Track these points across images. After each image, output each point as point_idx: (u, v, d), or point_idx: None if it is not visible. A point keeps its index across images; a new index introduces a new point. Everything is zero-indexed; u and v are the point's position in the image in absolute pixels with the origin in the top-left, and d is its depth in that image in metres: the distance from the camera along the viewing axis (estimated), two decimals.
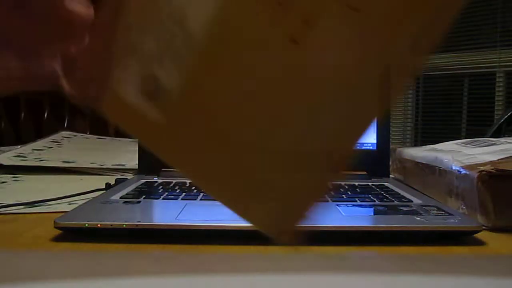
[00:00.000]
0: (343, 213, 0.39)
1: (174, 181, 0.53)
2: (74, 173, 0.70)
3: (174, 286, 0.10)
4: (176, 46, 0.19)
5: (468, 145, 0.59)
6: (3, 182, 0.61)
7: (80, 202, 0.44)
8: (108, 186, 0.55)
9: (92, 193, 0.52)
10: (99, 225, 0.35)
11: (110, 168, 0.71)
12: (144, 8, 0.20)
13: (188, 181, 0.52)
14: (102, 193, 0.48)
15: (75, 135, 0.98)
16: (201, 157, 0.20)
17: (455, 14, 0.18)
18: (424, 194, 0.49)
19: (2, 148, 0.86)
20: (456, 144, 0.61)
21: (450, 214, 0.37)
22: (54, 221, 0.35)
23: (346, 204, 0.42)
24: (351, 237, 0.35)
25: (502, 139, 0.60)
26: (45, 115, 1.25)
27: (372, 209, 0.41)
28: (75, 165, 0.72)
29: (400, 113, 2.88)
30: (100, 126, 1.33)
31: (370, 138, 0.62)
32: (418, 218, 0.36)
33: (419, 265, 0.12)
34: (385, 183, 0.54)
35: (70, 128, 1.27)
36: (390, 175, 0.63)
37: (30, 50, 0.21)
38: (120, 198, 0.44)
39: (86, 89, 0.22)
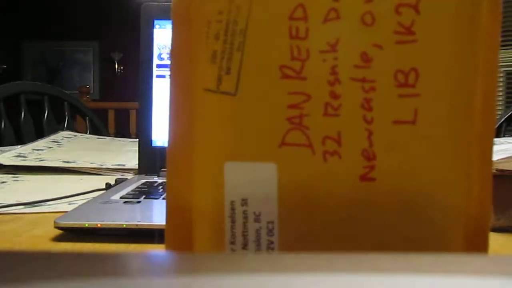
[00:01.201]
0: None
1: None
2: (74, 173, 0.70)
3: (174, 286, 0.10)
4: None
5: None
6: (3, 182, 0.61)
7: (80, 202, 0.44)
8: (108, 186, 0.55)
9: (92, 193, 0.52)
10: (99, 225, 0.35)
11: (110, 168, 0.71)
12: None
13: None
14: (102, 193, 0.48)
15: (75, 135, 0.98)
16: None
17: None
18: None
19: (2, 148, 0.86)
20: None
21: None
22: (54, 221, 0.35)
23: None
24: None
25: (502, 139, 0.60)
26: (45, 115, 1.25)
27: None
28: (75, 165, 0.72)
29: None
30: (100, 126, 1.33)
31: None
32: None
33: (418, 264, 0.12)
34: None
35: (70, 128, 1.27)
36: None
37: None
38: (120, 198, 0.44)
39: None
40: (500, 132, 1.22)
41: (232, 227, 0.19)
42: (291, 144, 0.19)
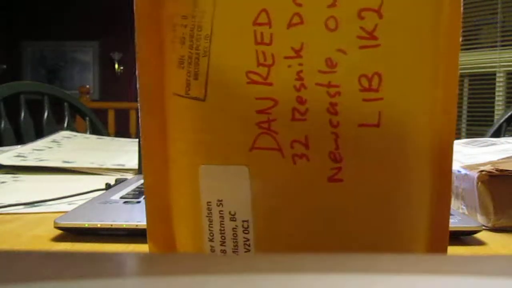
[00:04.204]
0: None
1: None
2: (74, 173, 0.70)
3: (174, 286, 0.10)
4: None
5: (468, 145, 0.59)
6: (3, 182, 0.61)
7: (80, 202, 0.44)
8: (108, 186, 0.55)
9: (92, 193, 0.52)
10: (99, 225, 0.35)
11: (110, 168, 0.71)
12: None
13: None
14: (102, 193, 0.48)
15: (75, 135, 0.98)
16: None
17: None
18: None
19: (2, 148, 0.86)
20: (456, 144, 0.61)
21: (450, 214, 0.37)
22: (54, 221, 0.35)
23: None
24: None
25: (502, 139, 0.60)
26: (45, 115, 1.25)
27: None
28: (75, 165, 0.72)
29: None
30: (100, 126, 1.33)
31: None
32: None
33: (418, 265, 0.12)
34: None
35: (70, 128, 1.27)
36: None
37: None
38: (120, 198, 0.44)
39: None
40: (500, 132, 1.22)
41: (210, 226, 0.20)
42: (261, 148, 0.19)
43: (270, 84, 0.19)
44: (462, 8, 0.19)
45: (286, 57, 0.18)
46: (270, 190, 0.19)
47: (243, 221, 0.19)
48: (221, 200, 0.19)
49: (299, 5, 0.18)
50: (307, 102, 0.18)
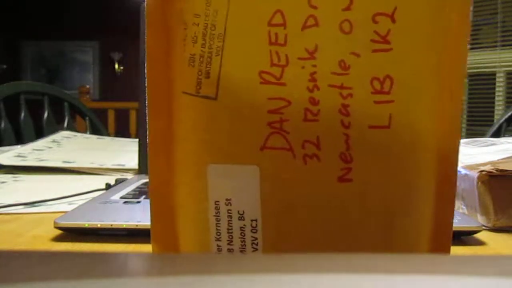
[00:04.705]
0: None
1: None
2: (74, 173, 0.70)
3: (174, 286, 0.10)
4: None
5: (468, 145, 0.59)
6: (3, 182, 0.61)
7: (80, 202, 0.44)
8: (108, 186, 0.55)
9: (92, 193, 0.52)
10: (99, 225, 0.35)
11: (110, 168, 0.71)
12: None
13: None
14: (102, 193, 0.48)
15: (75, 135, 0.98)
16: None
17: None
18: None
19: (2, 148, 0.86)
20: None
21: (453, 216, 0.37)
22: (54, 221, 0.35)
23: None
24: None
25: (502, 139, 0.61)
26: (45, 115, 1.25)
27: None
28: (75, 165, 0.72)
29: None
30: (100, 126, 1.33)
31: None
32: None
33: (418, 265, 0.12)
34: None
35: (70, 128, 1.27)
36: None
37: None
38: (120, 198, 0.44)
39: None
40: (500, 132, 1.22)
41: (217, 225, 0.20)
42: (272, 147, 0.19)
43: (283, 85, 0.19)
44: (470, 16, 0.19)
45: (300, 58, 0.19)
46: (280, 190, 0.19)
47: (252, 220, 0.19)
48: (230, 199, 0.19)
49: (314, 7, 0.18)
50: (319, 103, 0.19)
